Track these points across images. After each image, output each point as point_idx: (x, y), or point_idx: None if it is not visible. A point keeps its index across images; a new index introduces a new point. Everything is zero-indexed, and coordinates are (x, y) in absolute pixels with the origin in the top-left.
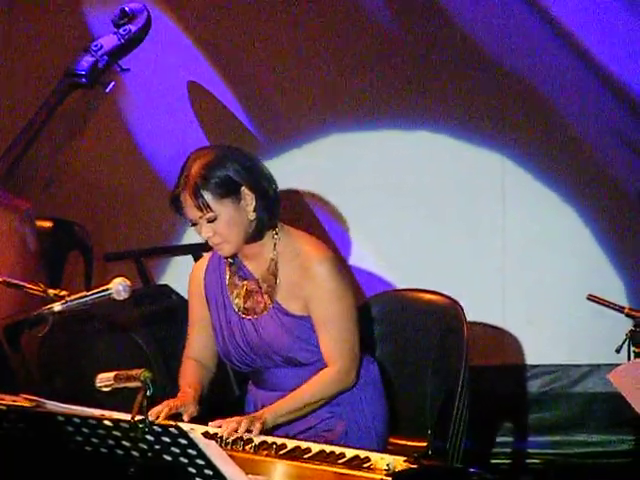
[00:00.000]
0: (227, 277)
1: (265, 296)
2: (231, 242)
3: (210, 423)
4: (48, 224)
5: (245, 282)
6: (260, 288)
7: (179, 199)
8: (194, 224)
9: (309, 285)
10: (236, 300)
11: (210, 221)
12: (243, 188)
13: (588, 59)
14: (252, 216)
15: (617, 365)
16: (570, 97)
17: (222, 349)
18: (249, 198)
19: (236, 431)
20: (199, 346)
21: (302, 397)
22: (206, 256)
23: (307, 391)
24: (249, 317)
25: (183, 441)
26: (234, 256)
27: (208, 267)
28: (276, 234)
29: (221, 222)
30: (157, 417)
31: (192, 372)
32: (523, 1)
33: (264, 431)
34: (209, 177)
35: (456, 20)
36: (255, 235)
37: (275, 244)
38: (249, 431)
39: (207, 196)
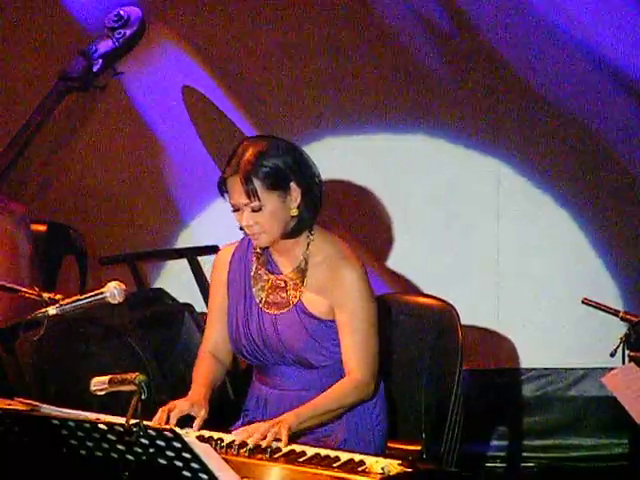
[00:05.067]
0: (253, 268)
1: (290, 293)
2: (269, 234)
3: (234, 432)
4: (43, 228)
5: (271, 276)
6: (286, 284)
7: (226, 183)
8: (235, 210)
9: (338, 290)
10: (259, 292)
11: (254, 210)
12: (292, 183)
13: (595, 60)
14: (295, 212)
15: (611, 369)
16: (568, 99)
17: (234, 338)
18: (296, 194)
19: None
20: (216, 338)
21: (323, 404)
22: (234, 242)
23: (328, 398)
24: (270, 311)
25: (178, 445)
26: (266, 248)
27: (234, 254)
28: (311, 234)
29: (265, 213)
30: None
31: (207, 369)
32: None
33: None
34: (261, 165)
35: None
36: (293, 231)
37: (309, 244)
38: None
39: (257, 183)
